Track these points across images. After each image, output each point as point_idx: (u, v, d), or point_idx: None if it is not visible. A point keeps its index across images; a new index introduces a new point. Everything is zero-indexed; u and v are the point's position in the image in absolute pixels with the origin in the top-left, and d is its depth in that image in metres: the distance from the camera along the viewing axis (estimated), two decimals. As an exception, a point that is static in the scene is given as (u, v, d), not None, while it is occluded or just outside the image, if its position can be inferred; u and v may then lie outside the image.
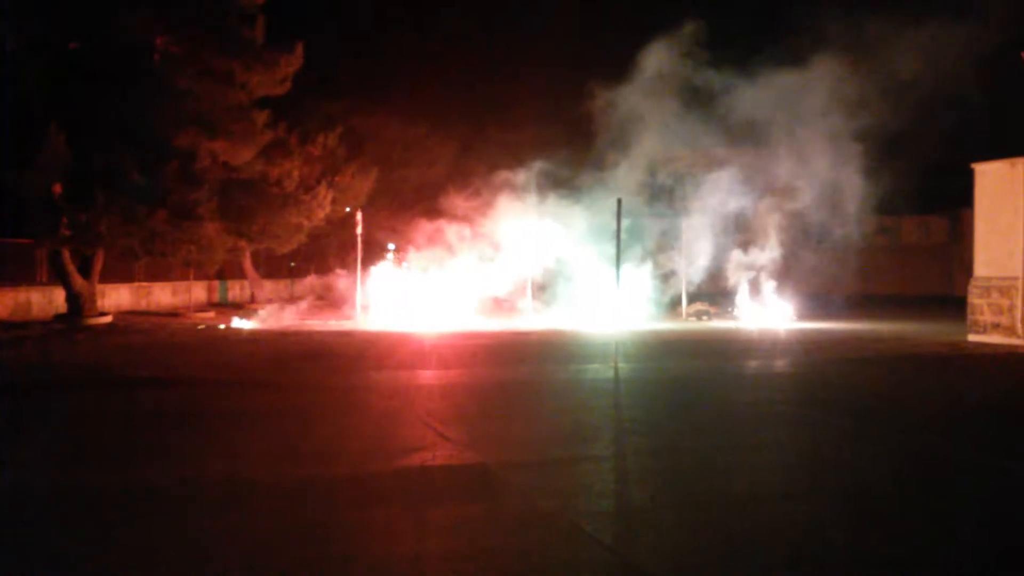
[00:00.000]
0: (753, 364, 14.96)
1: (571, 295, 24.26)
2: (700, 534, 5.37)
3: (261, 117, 23.53)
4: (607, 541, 5.23)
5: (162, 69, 20.92)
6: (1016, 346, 16.56)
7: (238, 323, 22.04)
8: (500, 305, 24.80)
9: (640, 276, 24.10)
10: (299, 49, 23.68)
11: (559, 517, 5.65)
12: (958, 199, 24.07)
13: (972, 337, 18.05)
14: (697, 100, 22.79)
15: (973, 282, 18.27)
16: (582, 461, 7.27)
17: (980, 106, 19.45)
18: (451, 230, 24.55)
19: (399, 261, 24.81)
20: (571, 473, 6.88)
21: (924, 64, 19.97)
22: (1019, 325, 16.87)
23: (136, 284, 27.76)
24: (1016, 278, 17.01)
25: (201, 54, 21.55)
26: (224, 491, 6.22)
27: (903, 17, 20.32)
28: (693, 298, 26.34)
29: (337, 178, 28.20)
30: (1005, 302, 17.42)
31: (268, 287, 32.66)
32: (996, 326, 17.62)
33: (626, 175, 22.94)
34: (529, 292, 24.49)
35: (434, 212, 25.65)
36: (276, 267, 35.19)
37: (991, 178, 17.98)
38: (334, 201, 27.11)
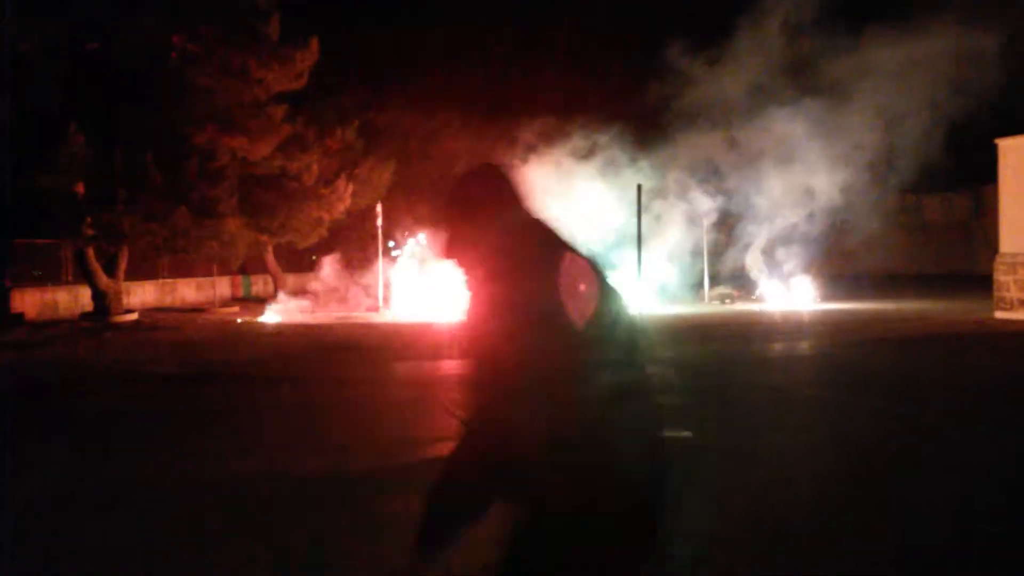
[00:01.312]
0: (777, 347, 14.90)
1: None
2: (720, 518, 5.36)
3: (278, 112, 23.62)
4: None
5: (180, 67, 21.04)
6: (1044, 322, 16.41)
7: (262, 317, 22.19)
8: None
9: (664, 261, 24.01)
10: (314, 44, 23.72)
11: (587, 503, 5.66)
12: (981, 175, 23.77)
13: (999, 314, 17.88)
14: (721, 83, 22.69)
15: (999, 259, 18.08)
16: (608, 447, 7.25)
17: (1001, 82, 19.15)
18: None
19: (420, 252, 24.82)
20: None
21: (948, 41, 19.74)
22: (1047, 301, 16.71)
23: (161, 281, 28.01)
24: (1043, 254, 16.84)
25: (218, 51, 21.65)
26: (258, 484, 6.28)
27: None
28: (716, 281, 26.21)
29: (356, 171, 28.25)
30: (1032, 278, 17.24)
31: (291, 281, 32.81)
32: (1023, 302, 17.43)
33: (655, 157, 22.84)
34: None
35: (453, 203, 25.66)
36: (298, 261, 35.33)
37: (1015, 153, 17.77)
38: (353, 194, 27.18)
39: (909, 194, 33.36)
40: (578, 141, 23.44)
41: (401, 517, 5.42)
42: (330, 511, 5.62)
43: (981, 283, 20.74)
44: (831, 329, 17.15)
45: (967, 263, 34.61)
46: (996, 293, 18.10)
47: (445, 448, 7.06)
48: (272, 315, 22.40)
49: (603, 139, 23.38)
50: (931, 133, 20.97)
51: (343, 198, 26.09)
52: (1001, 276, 17.97)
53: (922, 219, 38.23)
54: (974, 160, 21.47)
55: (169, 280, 28.39)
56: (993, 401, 9.26)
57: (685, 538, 5.01)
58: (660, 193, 23.17)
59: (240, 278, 32.57)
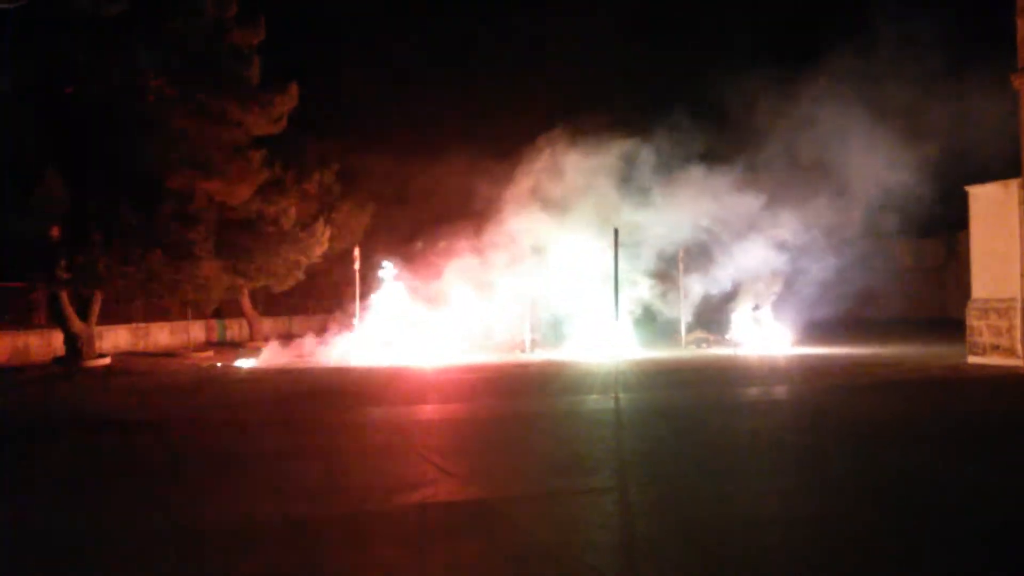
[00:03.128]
0: (753, 392, 14.92)
1: (570, 326, 24.25)
2: (703, 563, 5.32)
3: (257, 156, 23.63)
4: (610, 573, 5.18)
5: (157, 110, 21.05)
6: (1016, 367, 16.54)
7: (237, 362, 21.97)
8: (498, 338, 24.75)
9: (639, 306, 24.12)
10: (293, 88, 23.85)
11: (561, 550, 5.61)
12: (953, 222, 24.17)
13: (972, 359, 18.03)
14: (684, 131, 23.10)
15: (971, 304, 18.29)
16: (583, 493, 7.22)
17: (972, 130, 19.59)
18: (449, 263, 24.59)
19: (397, 296, 24.76)
20: (572, 506, 6.83)
21: (917, 91, 20.19)
22: (1019, 346, 16.87)
23: (134, 325, 27.71)
24: (1014, 299, 17.04)
25: (196, 95, 21.70)
26: (220, 533, 6.16)
27: (896, 44, 20.57)
28: (692, 326, 26.32)
29: (333, 215, 28.28)
30: (1004, 323, 17.43)
31: (267, 325, 32.61)
32: (995, 347, 17.60)
33: (624, 206, 23.05)
34: (527, 324, 24.46)
35: (432, 246, 25.70)
36: (274, 305, 35.13)
37: (986, 200, 18.06)
38: (331, 238, 27.15)
39: (883, 240, 33.78)
40: (558, 184, 23.62)
41: (364, 568, 5.34)
42: (287, 559, 5.51)
43: (953, 327, 20.94)
44: (806, 374, 17.22)
45: (940, 308, 35.00)
46: (969, 338, 18.27)
47: (418, 495, 7.02)
48: (247, 360, 22.19)
49: (584, 181, 23.57)
50: (905, 181, 21.36)
51: (321, 242, 26.05)
52: (973, 321, 18.16)
53: (896, 264, 38.66)
54: (947, 207, 21.80)
55: (143, 324, 28.09)
56: (966, 445, 9.28)
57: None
58: (637, 236, 23.33)
59: (215, 322, 32.29)
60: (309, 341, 24.24)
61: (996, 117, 17.31)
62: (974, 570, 5.17)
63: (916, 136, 20.69)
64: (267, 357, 22.65)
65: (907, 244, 38.79)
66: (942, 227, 33.68)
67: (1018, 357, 16.74)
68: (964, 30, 20.22)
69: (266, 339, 26.75)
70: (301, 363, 21.83)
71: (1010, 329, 17.28)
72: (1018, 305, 16.86)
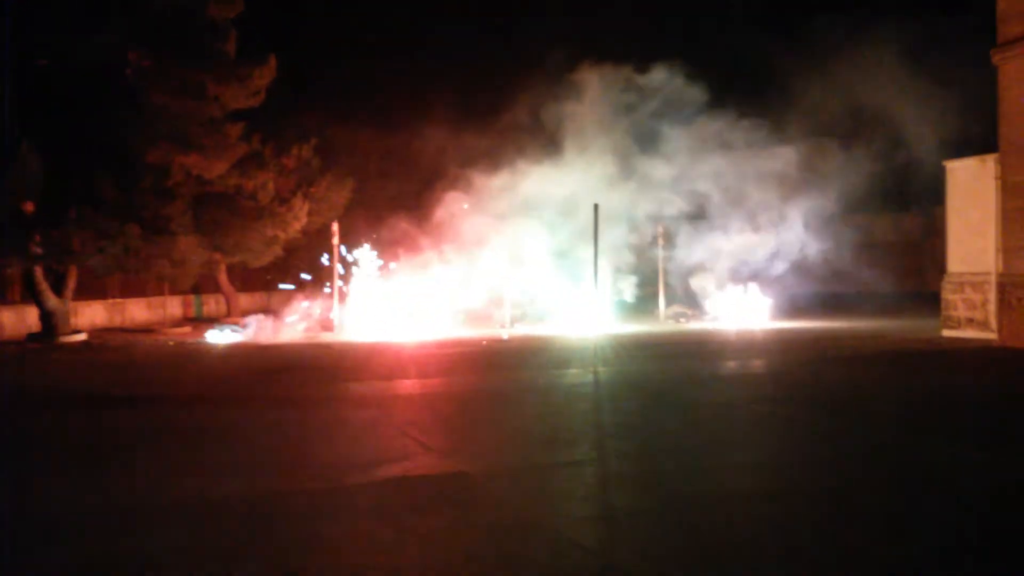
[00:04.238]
0: (731, 365, 15.02)
1: (550, 300, 24.27)
2: (682, 535, 5.36)
3: (235, 130, 23.43)
4: (590, 545, 5.21)
5: (134, 84, 20.79)
6: (990, 340, 16.74)
7: (214, 338, 21.86)
8: (477, 313, 24.76)
9: (618, 280, 24.17)
10: (272, 61, 23.62)
11: (541, 523, 5.64)
12: (931, 197, 24.34)
13: (947, 332, 18.22)
14: (673, 104, 23.04)
15: (947, 278, 18.45)
16: (563, 466, 7.25)
17: (952, 104, 19.70)
18: (430, 239, 24.52)
19: (377, 271, 24.67)
20: (553, 478, 6.86)
21: (899, 63, 20.24)
22: (992, 319, 17.05)
23: (110, 301, 27.51)
24: (989, 273, 17.20)
25: (173, 69, 21.46)
26: (198, 507, 6.14)
27: (879, 18, 20.60)
28: (671, 301, 26.43)
29: (312, 189, 28.08)
30: (978, 297, 17.61)
31: (244, 301, 32.44)
32: (970, 321, 17.80)
33: (603, 178, 23.00)
34: (508, 299, 24.47)
35: (413, 221, 25.60)
36: (252, 280, 34.96)
37: (962, 175, 18.18)
38: (310, 213, 26.98)
39: (861, 215, 33.96)
40: (538, 157, 23.53)
41: (342, 540, 5.35)
42: (266, 532, 5.50)
43: (930, 301, 21.14)
44: (784, 348, 17.35)
45: (917, 282, 35.24)
46: (944, 312, 18.45)
47: (398, 468, 7.03)
48: (224, 335, 22.08)
49: (566, 155, 23.50)
50: (884, 156, 21.48)
51: (299, 217, 25.89)
52: (949, 295, 18.34)
53: (874, 239, 38.88)
54: (926, 182, 21.94)
55: (119, 300, 27.89)
56: (938, 417, 9.40)
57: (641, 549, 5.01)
58: (616, 212, 23.33)
59: (192, 298, 32.11)
60: (287, 316, 24.14)
61: (978, 92, 17.39)
62: (951, 543, 5.24)
63: (897, 111, 20.78)
64: (244, 333, 22.54)
65: (886, 219, 39.01)
66: (921, 202, 33.88)
67: (992, 330, 16.93)
68: (947, 4, 20.26)
69: (244, 314, 26.58)
70: (280, 339, 21.74)
71: (984, 303, 17.47)
72: (992, 279, 17.02)
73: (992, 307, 17.06)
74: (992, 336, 16.75)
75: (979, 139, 17.85)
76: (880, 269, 30.25)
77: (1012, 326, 16.02)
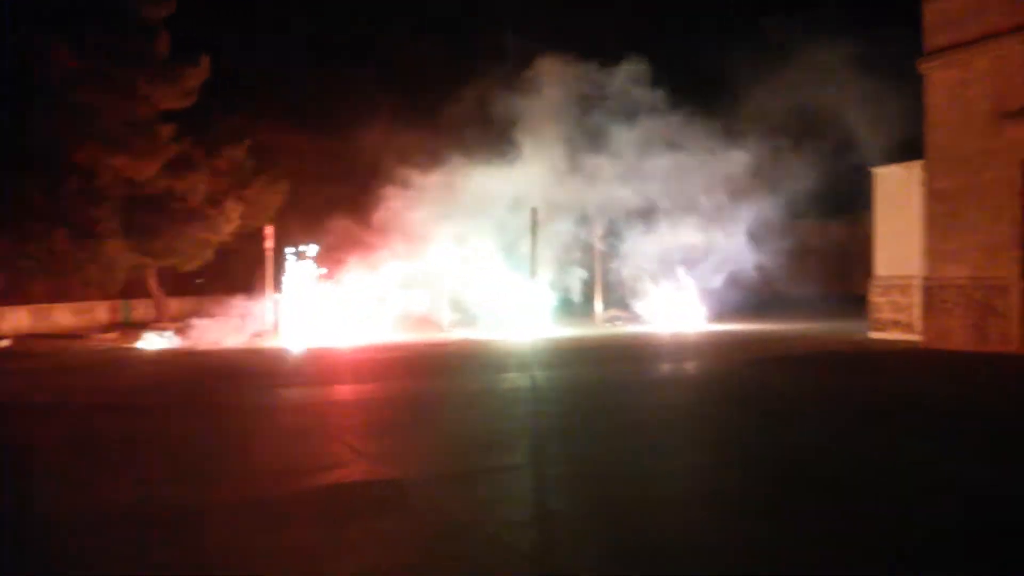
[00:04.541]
0: (666, 368, 15.17)
1: (487, 305, 24.23)
2: (617, 538, 5.38)
3: (165, 131, 22.98)
4: (525, 549, 5.19)
5: (61, 83, 20.22)
6: (915, 342, 17.20)
7: (143, 344, 21.32)
8: (415, 317, 24.60)
9: (555, 283, 24.25)
10: (204, 62, 23.23)
11: (477, 528, 5.60)
12: (859, 203, 24.96)
13: (873, 334, 18.68)
14: (601, 106, 23.23)
15: (874, 282, 18.92)
16: (500, 471, 7.23)
17: (879, 112, 20.25)
18: (366, 243, 24.27)
19: (312, 275, 24.33)
20: (489, 483, 6.83)
21: (827, 73, 20.72)
22: (917, 322, 17.52)
23: (35, 306, 26.68)
24: (914, 277, 17.68)
25: (102, 68, 20.93)
26: (125, 517, 5.97)
27: (808, 28, 21.05)
28: (607, 304, 26.63)
29: (245, 192, 27.60)
30: (904, 300, 18.09)
31: (175, 306, 31.73)
32: (896, 323, 18.28)
33: (541, 182, 23.05)
34: (444, 304, 24.36)
35: (351, 224, 25.31)
36: (183, 285, 34.21)
37: (889, 181, 18.68)
38: (243, 215, 26.54)
39: (790, 220, 34.66)
40: (477, 158, 23.48)
41: (276, 549, 5.24)
42: (195, 543, 5.37)
43: (857, 304, 21.65)
44: (717, 350, 17.59)
45: (844, 285, 36.12)
46: (871, 315, 18.92)
47: (332, 476, 6.92)
48: (154, 341, 21.56)
49: (501, 156, 23.48)
50: (812, 163, 21.97)
51: (231, 219, 25.46)
52: (876, 298, 18.81)
53: (802, 244, 39.69)
54: (854, 188, 22.50)
55: (44, 305, 27.07)
56: (864, 417, 9.60)
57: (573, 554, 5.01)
58: (554, 216, 23.42)
59: (120, 303, 31.30)
60: (220, 322, 23.66)
61: (906, 100, 17.85)
62: (875, 543, 5.34)
63: (826, 119, 21.27)
64: (175, 338, 22.04)
65: (814, 224, 39.88)
66: (848, 208, 34.70)
67: (917, 333, 17.40)
68: (879, 14, 20.78)
69: (175, 319, 26.01)
70: (211, 344, 21.30)
71: (909, 306, 17.95)
72: (917, 283, 17.50)
73: (917, 310, 17.53)
74: (917, 338, 17.21)
75: (908, 146, 18.33)
76: (809, 273, 30.97)
77: (936, 328, 16.49)
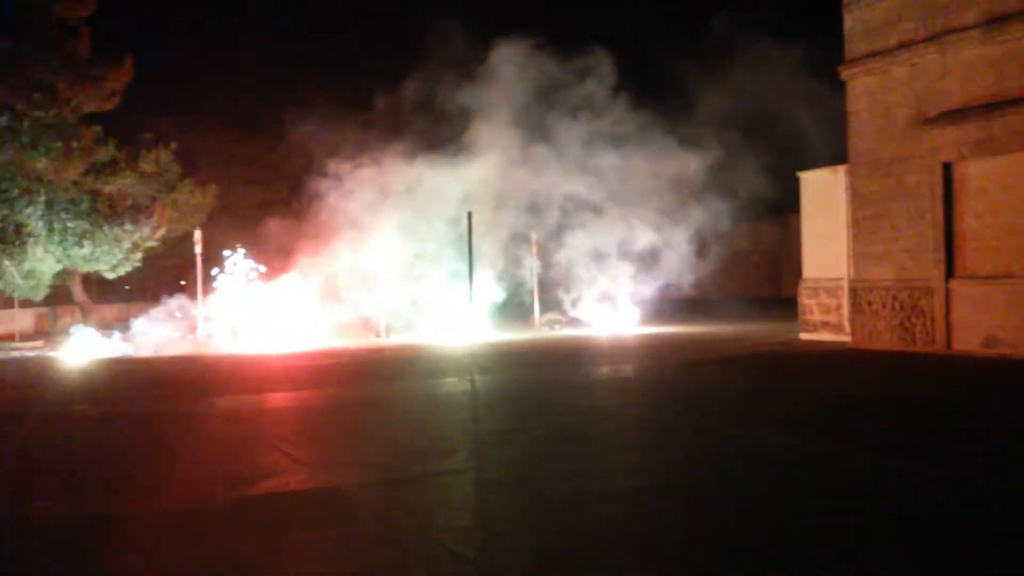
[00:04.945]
0: (604, 370, 15.28)
1: (423, 309, 24.12)
2: (559, 538, 5.39)
3: (89, 134, 22.35)
4: (469, 555, 5.16)
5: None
6: (843, 342, 17.63)
7: (68, 352, 20.71)
8: (351, 322, 24.36)
9: (492, 287, 24.27)
10: (128, 63, 22.67)
11: (419, 534, 5.55)
12: (785, 206, 25.50)
13: (804, 335, 19.10)
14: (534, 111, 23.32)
15: (803, 283, 19.35)
16: (441, 476, 7.18)
17: (805, 117, 20.74)
18: (298, 246, 23.96)
19: (243, 280, 23.91)
20: (430, 489, 6.78)
21: (756, 80, 21.15)
22: (846, 323, 17.96)
23: (-47, 314, 25.72)
24: (841, 278, 18.12)
25: (20, 68, 20.26)
26: (53, 529, 5.77)
27: (739, 35, 21.45)
28: (545, 308, 26.74)
29: (173, 196, 27.02)
30: (832, 301, 18.53)
31: (103, 313, 30.89)
32: (825, 324, 18.71)
33: (477, 182, 23.01)
34: (380, 308, 24.18)
35: (282, 228, 24.95)
36: (110, 291, 33.36)
37: (815, 185, 19.11)
38: (171, 220, 25.98)
39: (722, 223, 35.27)
40: (402, 165, 23.33)
41: (211, 561, 5.13)
42: (126, 556, 5.22)
43: (787, 306, 22.12)
44: (652, 352, 17.80)
45: (774, 288, 36.95)
46: (801, 316, 19.34)
47: (268, 485, 6.79)
48: (80, 349, 20.95)
49: (428, 163, 23.37)
50: (741, 167, 22.39)
51: (159, 224, 24.88)
52: (805, 300, 19.23)
53: (733, 247, 40.43)
54: (780, 192, 22.98)
55: (-37, 313, 26.11)
56: (795, 414, 9.80)
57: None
58: (492, 219, 23.41)
59: (46, 310, 30.37)
60: (149, 329, 23.10)
61: (830, 106, 18.30)
62: (806, 538, 5.44)
63: (755, 124, 21.71)
64: (103, 346, 21.45)
65: (744, 227, 40.66)
66: (776, 211, 35.48)
67: (846, 333, 17.83)
68: (806, 21, 21.28)
69: (102, 327, 25.31)
70: (139, 352, 20.79)
71: (838, 307, 18.40)
72: (845, 284, 17.95)
73: (845, 311, 17.98)
74: (846, 339, 17.65)
75: (833, 151, 18.79)
76: (739, 275, 31.57)
77: (864, 329, 16.93)
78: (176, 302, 23.99)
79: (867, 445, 7.99)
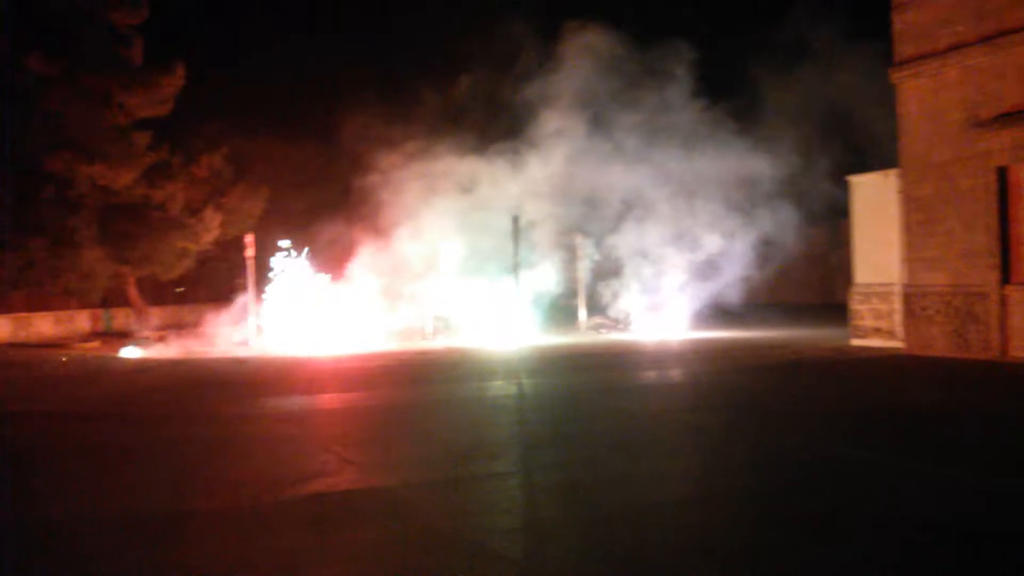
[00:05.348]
0: (651, 375, 15.20)
1: (471, 313, 24.19)
2: (606, 544, 5.38)
3: (142, 139, 22.83)
4: (514, 557, 5.18)
5: (34, 91, 20.03)
6: (896, 348, 17.32)
7: (125, 352, 21.15)
8: (398, 325, 24.52)
9: (539, 291, 24.25)
10: (180, 69, 23.10)
11: (465, 536, 5.58)
12: (837, 211, 25.15)
13: (855, 341, 18.80)
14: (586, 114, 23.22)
15: (854, 289, 19.04)
16: (487, 479, 7.21)
17: (857, 120, 20.43)
18: (348, 250, 24.19)
19: (294, 283, 24.21)
20: (476, 491, 6.81)
21: (807, 83, 20.88)
22: (898, 329, 17.65)
23: (15, 315, 26.43)
24: (894, 284, 17.81)
25: (76, 75, 20.76)
26: (112, 526, 5.91)
27: (793, 37, 21.20)
28: (591, 312, 26.65)
29: (224, 200, 27.44)
30: (884, 307, 18.22)
31: (156, 314, 31.49)
32: (877, 330, 18.39)
33: (528, 183, 23.00)
34: (429, 311, 24.31)
35: (330, 233, 25.22)
36: (163, 294, 33.97)
37: (866, 189, 18.81)
38: (223, 224, 26.39)
39: (772, 228, 34.84)
40: (453, 168, 23.41)
41: (262, 556, 5.21)
42: (185, 550, 5.32)
43: (838, 312, 21.80)
44: (701, 357, 17.64)
45: (825, 293, 36.41)
46: (852, 322, 19.03)
47: (319, 485, 6.88)
48: (135, 350, 21.39)
49: (479, 165, 23.42)
50: (794, 172, 22.11)
51: (210, 228, 25.31)
52: (856, 305, 18.92)
53: (784, 252, 39.91)
54: (832, 196, 22.65)
55: (25, 314, 26.81)
56: (850, 423, 9.65)
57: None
58: (537, 223, 23.40)
59: (101, 312, 31.05)
60: (202, 330, 23.51)
61: (883, 109, 18.00)
62: (867, 544, 5.37)
63: (806, 128, 21.44)
64: (156, 347, 21.87)
65: (795, 232, 40.14)
66: (827, 215, 35.04)
67: (898, 339, 17.52)
68: (857, 24, 20.93)
69: (155, 328, 25.82)
70: (194, 353, 21.16)
71: (890, 312, 18.08)
72: (897, 289, 17.64)
73: (898, 317, 17.67)
74: (899, 345, 17.34)
75: (885, 154, 18.47)
76: (789, 280, 31.17)
77: (917, 335, 16.62)
78: (227, 304, 24.39)
79: (922, 455, 7.85)
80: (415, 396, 12.86)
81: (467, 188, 23.09)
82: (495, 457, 8.07)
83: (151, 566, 5.13)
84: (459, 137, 23.73)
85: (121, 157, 22.08)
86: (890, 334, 18.01)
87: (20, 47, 19.59)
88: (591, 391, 13.02)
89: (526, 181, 22.99)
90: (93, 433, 10.05)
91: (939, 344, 16.13)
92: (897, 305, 17.69)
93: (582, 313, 26.61)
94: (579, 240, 25.80)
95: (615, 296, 25.62)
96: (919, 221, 16.64)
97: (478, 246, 23.17)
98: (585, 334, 25.11)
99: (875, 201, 18.46)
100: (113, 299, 30.43)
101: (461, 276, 23.80)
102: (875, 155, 19.44)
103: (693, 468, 7.63)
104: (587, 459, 7.95)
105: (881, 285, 18.27)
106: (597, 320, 26.17)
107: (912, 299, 16.77)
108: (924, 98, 16.40)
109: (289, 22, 34.60)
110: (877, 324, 18.36)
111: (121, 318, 31.77)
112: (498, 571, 4.97)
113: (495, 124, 23.63)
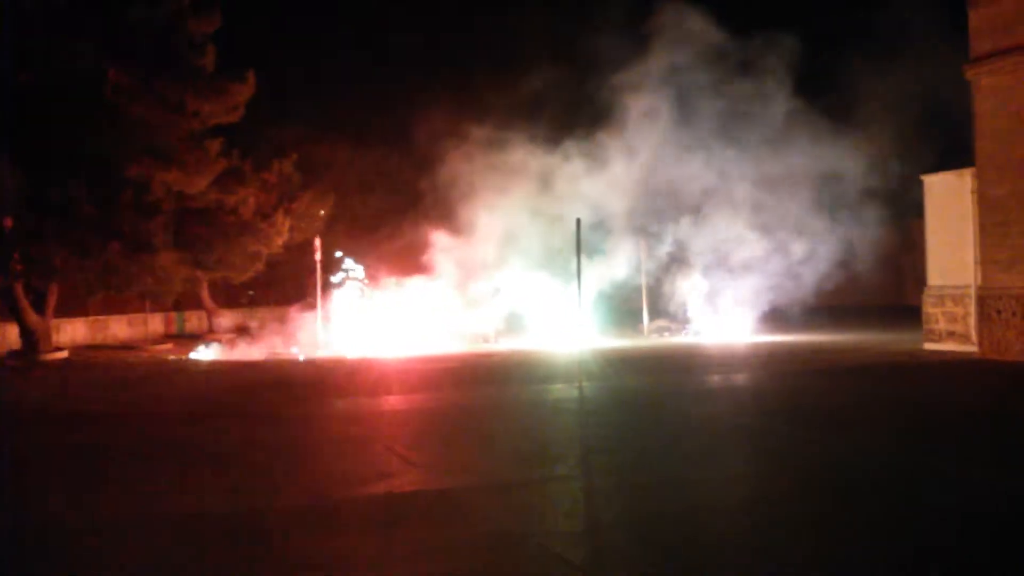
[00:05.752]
0: (715, 379, 15.04)
1: (534, 315, 24.25)
2: (668, 549, 5.36)
3: (214, 145, 23.35)
4: (576, 561, 5.20)
5: (114, 99, 20.67)
6: (971, 353, 16.85)
7: (197, 354, 21.72)
8: (462, 328, 24.69)
9: (603, 293, 24.19)
10: (250, 77, 23.58)
11: (527, 539, 5.62)
12: (909, 211, 24.55)
13: (928, 345, 18.33)
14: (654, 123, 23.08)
15: (927, 291, 18.59)
16: (549, 481, 7.24)
17: (929, 118, 19.95)
18: (413, 254, 24.47)
19: (360, 287, 24.59)
20: (538, 494, 6.85)
21: (875, 80, 20.46)
22: (973, 332, 17.18)
23: (91, 318, 27.28)
24: (969, 286, 17.33)
25: (152, 84, 21.36)
26: (184, 524, 6.10)
27: (859, 34, 20.81)
28: (654, 315, 26.49)
29: (293, 205, 27.98)
30: (959, 310, 17.74)
31: (227, 317, 32.23)
32: (951, 334, 17.92)
33: (593, 191, 22.97)
34: (491, 314, 24.43)
35: (395, 236, 25.55)
36: (234, 296, 34.76)
37: (940, 189, 18.34)
38: (291, 228, 26.90)
39: (839, 228, 34.15)
40: (518, 172, 23.48)
41: (326, 555, 5.32)
42: (251, 549, 5.47)
43: (910, 314, 21.29)
44: (766, 361, 17.40)
45: (896, 296, 35.54)
46: (925, 325, 18.56)
47: (382, 485, 7.00)
48: (207, 352, 21.94)
49: (546, 169, 23.46)
50: (863, 171, 21.67)
51: (281, 232, 25.81)
52: (930, 308, 18.46)
53: (852, 253, 39.11)
54: (903, 196, 22.13)
55: (100, 317, 27.67)
56: (919, 430, 9.44)
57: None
58: (601, 226, 23.35)
59: (174, 314, 31.90)
60: (271, 333, 24.01)
61: (955, 107, 17.56)
62: (930, 545, 5.27)
63: (875, 125, 20.98)
64: (227, 349, 22.40)
65: (864, 232, 39.30)
66: (898, 215, 34.23)
67: (973, 343, 17.06)
68: (927, 20, 20.43)
69: (226, 331, 26.44)
70: (264, 355, 21.62)
71: (965, 316, 17.60)
72: (972, 292, 17.17)
73: (973, 320, 17.19)
74: (973, 349, 16.87)
75: (958, 153, 18.00)
76: (859, 283, 30.49)
77: (992, 339, 16.15)
78: (297, 308, 24.86)
79: (994, 464, 7.66)
80: (478, 398, 12.95)
81: (533, 190, 23.14)
82: (557, 460, 8.09)
83: (222, 562, 5.28)
84: (529, 135, 23.77)
85: (195, 163, 22.62)
86: (965, 338, 17.54)
87: (102, 58, 20.24)
88: (652, 395, 12.96)
89: (595, 182, 22.93)
90: (159, 435, 10.35)
91: (1015, 348, 15.65)
92: (972, 308, 17.22)
93: (645, 316, 26.45)
94: (644, 242, 25.65)
95: (680, 299, 25.41)
96: (994, 222, 16.17)
97: (543, 249, 23.21)
98: (648, 337, 24.96)
99: (949, 201, 17.98)
100: (186, 302, 31.26)
101: (525, 279, 23.85)
102: (950, 154, 18.95)
103: (756, 473, 7.54)
104: (649, 463, 7.92)
105: (955, 287, 17.79)
106: (661, 323, 25.99)
107: (987, 302, 16.30)
108: (1001, 95, 15.94)
109: (357, 23, 35.10)
110: (951, 327, 17.89)
111: (193, 321, 32.60)
112: (560, 574, 5.00)
113: (568, 123, 23.61)
